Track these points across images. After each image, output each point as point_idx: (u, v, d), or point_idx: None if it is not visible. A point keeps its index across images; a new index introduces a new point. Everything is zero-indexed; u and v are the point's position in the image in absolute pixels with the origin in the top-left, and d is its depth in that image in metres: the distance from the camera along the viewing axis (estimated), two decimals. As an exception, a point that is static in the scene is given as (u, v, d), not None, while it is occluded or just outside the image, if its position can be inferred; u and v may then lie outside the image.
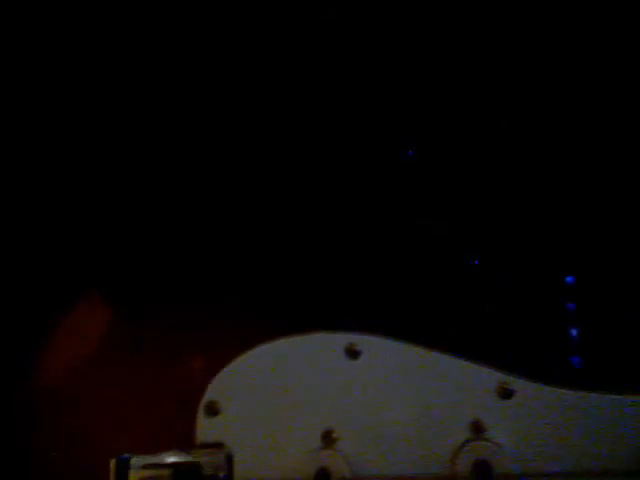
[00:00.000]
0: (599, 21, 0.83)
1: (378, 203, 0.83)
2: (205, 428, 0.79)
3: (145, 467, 0.78)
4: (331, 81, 0.84)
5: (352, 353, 0.79)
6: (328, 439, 0.78)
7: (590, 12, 0.83)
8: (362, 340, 0.79)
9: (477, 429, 0.77)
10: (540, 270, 0.82)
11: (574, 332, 0.81)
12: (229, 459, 0.79)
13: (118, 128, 0.86)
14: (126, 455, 0.79)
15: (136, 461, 0.79)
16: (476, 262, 0.81)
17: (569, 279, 0.81)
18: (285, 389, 0.79)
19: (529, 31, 0.84)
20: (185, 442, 0.80)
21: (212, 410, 0.79)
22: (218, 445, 0.79)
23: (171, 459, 0.79)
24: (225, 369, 0.80)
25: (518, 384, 0.77)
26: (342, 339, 0.79)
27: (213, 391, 0.80)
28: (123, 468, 0.79)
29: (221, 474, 0.78)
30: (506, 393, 0.77)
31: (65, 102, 0.86)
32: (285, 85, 0.84)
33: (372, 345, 0.79)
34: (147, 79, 0.86)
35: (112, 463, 0.79)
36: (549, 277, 0.82)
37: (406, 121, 0.83)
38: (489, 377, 0.78)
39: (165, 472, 0.78)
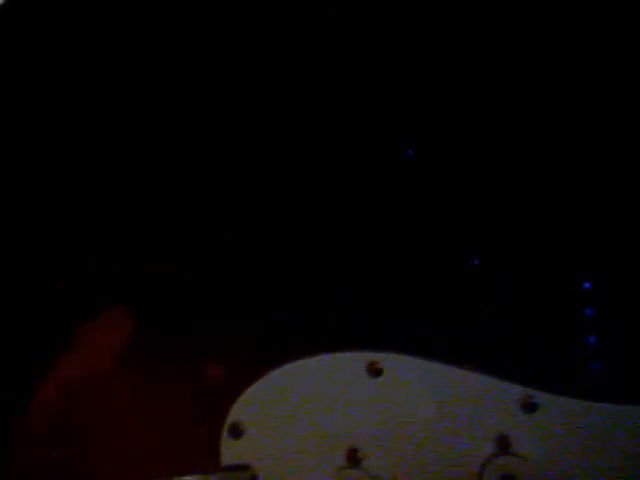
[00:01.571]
0: (599, 21, 0.82)
1: (378, 203, 0.83)
2: (229, 449, 0.79)
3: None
4: (331, 81, 0.83)
5: (374, 371, 0.79)
6: (353, 458, 0.78)
7: (590, 12, 0.82)
8: (383, 358, 0.79)
9: (502, 443, 0.77)
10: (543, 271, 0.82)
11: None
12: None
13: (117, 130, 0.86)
14: (153, 480, 0.80)
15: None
16: (476, 262, 0.81)
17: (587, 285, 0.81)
18: (308, 408, 0.79)
19: (529, 31, 0.83)
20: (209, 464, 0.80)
21: (236, 431, 0.80)
22: (242, 467, 0.79)
23: (197, 482, 0.79)
24: (248, 390, 0.80)
25: (542, 397, 0.77)
26: (363, 357, 0.79)
27: (237, 412, 0.80)
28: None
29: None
30: (530, 406, 0.77)
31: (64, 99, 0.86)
32: (285, 85, 0.84)
33: (394, 363, 0.79)
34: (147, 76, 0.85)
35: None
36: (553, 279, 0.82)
37: (406, 121, 0.83)
38: (512, 391, 0.77)
39: (192, 496, 0.79)
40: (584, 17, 0.82)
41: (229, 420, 0.80)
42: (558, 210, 0.82)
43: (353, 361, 0.79)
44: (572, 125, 0.83)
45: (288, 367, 0.80)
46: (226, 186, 0.85)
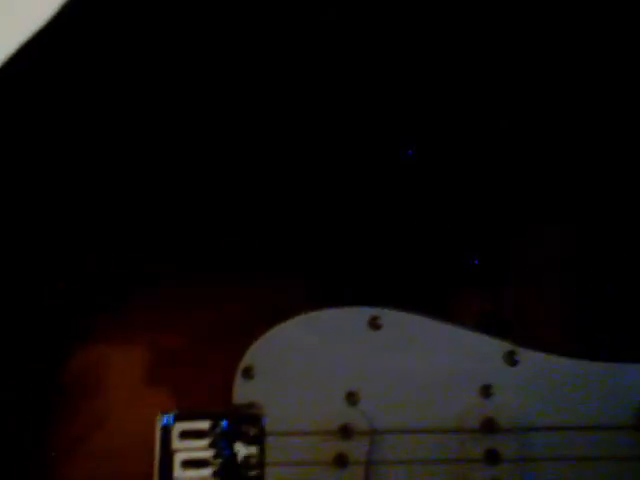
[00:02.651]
0: (599, 21, 0.88)
1: (378, 202, 0.90)
2: (241, 390, 0.88)
3: (188, 420, 0.88)
4: (331, 81, 0.89)
5: (374, 325, 0.88)
6: (351, 399, 0.87)
7: (590, 12, 0.88)
8: (383, 313, 0.88)
9: (485, 392, 0.85)
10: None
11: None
12: (262, 416, 0.88)
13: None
14: (170, 413, 0.89)
15: (179, 416, 0.88)
16: (476, 262, 0.89)
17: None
18: (314, 356, 0.88)
19: (529, 31, 0.88)
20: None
21: (248, 374, 0.89)
22: (252, 404, 0.88)
23: (210, 416, 0.88)
24: (261, 338, 0.89)
25: (523, 352, 0.86)
26: (365, 313, 0.89)
27: (250, 357, 0.89)
28: (168, 423, 0.88)
29: (255, 430, 0.88)
30: (512, 361, 0.86)
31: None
32: (285, 84, 0.90)
33: (392, 318, 0.88)
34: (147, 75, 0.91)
35: (158, 419, 0.88)
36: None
37: (406, 121, 0.88)
38: (497, 346, 0.86)
39: (205, 427, 0.87)
40: (584, 17, 0.88)
41: (243, 364, 0.89)
42: (559, 209, 0.89)
43: (356, 315, 0.89)
44: (573, 125, 0.88)
45: (298, 319, 0.89)
46: (226, 186, 0.91)
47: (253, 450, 0.86)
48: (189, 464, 0.87)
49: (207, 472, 0.86)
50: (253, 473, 0.86)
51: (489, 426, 0.84)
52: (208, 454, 0.86)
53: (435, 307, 0.88)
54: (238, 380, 0.89)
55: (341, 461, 0.85)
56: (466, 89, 0.89)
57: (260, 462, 0.86)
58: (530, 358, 0.86)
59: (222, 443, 0.87)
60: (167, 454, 0.87)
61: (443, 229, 0.90)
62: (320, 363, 0.88)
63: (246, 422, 0.87)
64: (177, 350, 0.91)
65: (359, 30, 0.89)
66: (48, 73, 0.92)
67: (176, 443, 0.87)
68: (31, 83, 0.92)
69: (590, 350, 0.85)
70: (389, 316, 0.88)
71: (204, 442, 0.87)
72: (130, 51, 0.92)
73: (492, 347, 0.86)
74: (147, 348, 0.91)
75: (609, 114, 0.89)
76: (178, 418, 0.88)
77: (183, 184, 0.92)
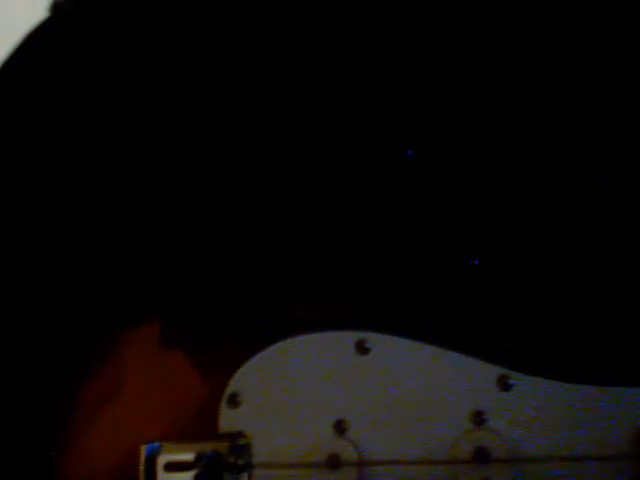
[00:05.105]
0: (599, 21, 0.85)
1: (378, 203, 0.87)
2: (227, 418, 0.86)
3: (171, 453, 0.85)
4: (331, 80, 0.87)
5: (362, 349, 0.85)
6: (339, 428, 0.84)
7: (590, 12, 0.85)
8: (371, 337, 0.85)
9: (478, 419, 0.82)
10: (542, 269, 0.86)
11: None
12: (249, 447, 0.85)
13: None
14: (155, 443, 0.86)
15: (164, 448, 0.86)
16: (476, 262, 0.86)
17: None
18: (301, 382, 0.85)
19: (529, 31, 0.86)
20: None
21: (234, 401, 0.86)
22: (239, 434, 0.85)
23: (195, 446, 0.85)
24: (246, 364, 0.86)
25: (517, 377, 0.82)
26: (353, 336, 0.85)
27: (235, 384, 0.86)
28: (152, 455, 0.86)
29: (241, 461, 0.85)
30: (506, 385, 0.82)
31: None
32: (285, 84, 0.88)
33: (381, 342, 0.85)
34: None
35: (142, 450, 0.86)
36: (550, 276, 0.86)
37: (406, 121, 0.86)
38: (489, 370, 0.83)
39: (190, 458, 0.85)
40: (584, 17, 0.86)
41: (228, 391, 0.86)
42: (560, 210, 0.86)
43: (343, 339, 0.85)
44: (572, 125, 0.86)
45: (284, 343, 0.86)
46: (226, 186, 0.89)
47: (239, 483, 0.84)
48: (175, 497, 0.85)
49: (193, 505, 0.84)
50: (240, 506, 0.84)
51: (482, 456, 0.80)
52: (194, 487, 0.84)
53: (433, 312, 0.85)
54: (223, 408, 0.86)
55: (329, 493, 0.82)
56: (466, 89, 0.87)
57: (247, 495, 0.84)
58: (524, 382, 0.82)
59: (207, 475, 0.84)
60: (152, 487, 0.85)
61: (443, 230, 0.87)
62: (307, 390, 0.85)
63: (232, 453, 0.85)
64: (161, 376, 0.89)
65: (359, 30, 0.87)
66: (48, 73, 0.91)
67: (161, 476, 0.85)
68: (32, 83, 0.91)
69: (588, 373, 0.82)
70: (377, 339, 0.85)
71: (189, 475, 0.84)
72: (129, 51, 0.90)
73: (484, 371, 0.83)
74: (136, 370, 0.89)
75: (609, 113, 0.87)
76: (162, 449, 0.86)
77: (184, 187, 0.90)
